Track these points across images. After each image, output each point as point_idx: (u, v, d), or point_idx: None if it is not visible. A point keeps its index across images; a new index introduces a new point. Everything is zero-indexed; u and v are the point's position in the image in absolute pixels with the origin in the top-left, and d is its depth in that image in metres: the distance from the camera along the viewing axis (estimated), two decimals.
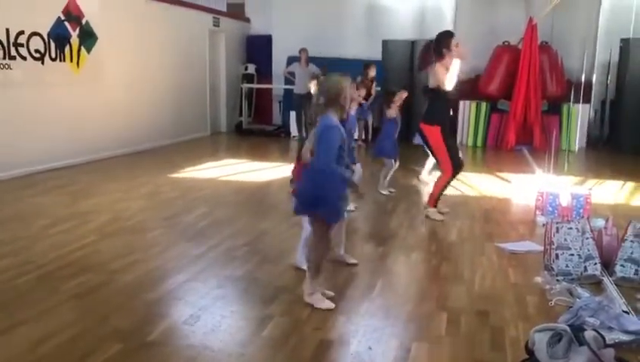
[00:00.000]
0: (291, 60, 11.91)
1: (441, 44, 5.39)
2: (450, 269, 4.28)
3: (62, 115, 7.87)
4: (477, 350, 3.02)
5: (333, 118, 3.32)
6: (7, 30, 6.96)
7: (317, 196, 3.34)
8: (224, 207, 6.07)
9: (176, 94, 10.53)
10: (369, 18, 12.29)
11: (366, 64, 10.18)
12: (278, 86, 12.88)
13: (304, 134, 5.87)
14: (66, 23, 7.91)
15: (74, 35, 8.06)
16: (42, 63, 7.54)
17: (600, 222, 4.73)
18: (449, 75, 5.29)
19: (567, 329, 2.72)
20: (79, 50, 8.17)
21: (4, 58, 6.96)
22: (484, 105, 11.26)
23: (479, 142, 11.35)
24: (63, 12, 7.82)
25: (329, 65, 10.34)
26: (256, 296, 3.69)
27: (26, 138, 7.28)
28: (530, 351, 2.77)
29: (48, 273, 3.97)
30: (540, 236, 4.78)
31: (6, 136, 7.00)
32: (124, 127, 9.12)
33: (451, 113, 5.94)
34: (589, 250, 4.04)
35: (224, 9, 12.87)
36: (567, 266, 3.99)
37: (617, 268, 3.98)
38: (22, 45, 7.20)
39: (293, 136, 11.69)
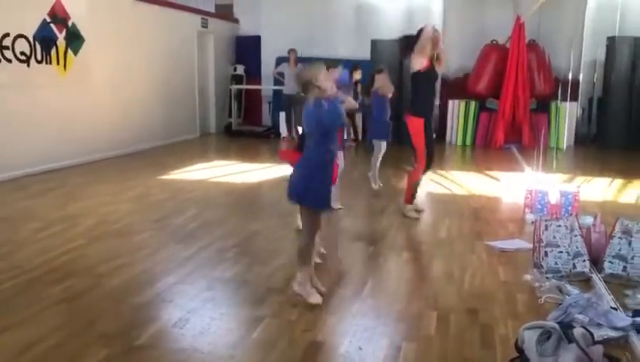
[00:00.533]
0: (280, 61, 11.90)
1: (418, 35, 5.49)
2: (440, 268, 4.29)
3: (50, 118, 7.81)
4: (467, 348, 3.02)
5: (312, 102, 3.42)
6: None
7: (305, 186, 3.43)
8: (214, 208, 6.04)
9: (165, 96, 10.48)
10: (358, 18, 12.30)
11: (352, 66, 10.17)
12: (267, 87, 12.85)
13: (294, 135, 5.89)
14: (52, 25, 7.84)
15: (60, 37, 7.99)
16: (28, 66, 7.47)
17: (588, 220, 4.76)
18: (418, 58, 5.40)
19: (556, 326, 2.73)
20: (66, 52, 8.11)
21: None
22: (472, 104, 11.30)
23: (468, 141, 11.39)
24: (48, 14, 7.76)
25: None
26: (246, 297, 3.67)
27: (14, 141, 7.22)
28: (519, 349, 2.77)
29: (35, 277, 3.93)
30: (529, 234, 4.80)
31: None
32: (112, 129, 9.06)
33: (437, 102, 6.05)
34: (577, 247, 4.07)
35: (212, 10, 12.83)
36: (556, 264, 4.01)
37: (606, 264, 4.00)
38: (7, 48, 7.13)
39: (283, 137, 11.67)
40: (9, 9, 7.14)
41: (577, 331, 2.68)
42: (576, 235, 4.11)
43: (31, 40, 7.49)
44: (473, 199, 6.66)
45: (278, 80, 11.75)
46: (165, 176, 7.66)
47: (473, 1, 11.96)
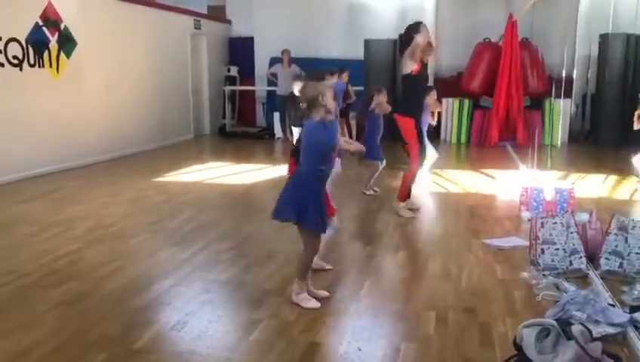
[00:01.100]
0: (274, 61, 11.89)
1: (409, 34, 5.45)
2: (437, 267, 4.29)
3: (43, 121, 7.76)
4: (466, 347, 3.02)
5: (316, 120, 3.37)
6: None
7: (299, 208, 3.36)
8: (209, 210, 6.02)
9: (158, 98, 10.45)
10: (351, 18, 12.30)
11: (340, 69, 10.11)
12: (261, 87, 12.85)
13: (289, 135, 5.87)
14: (45, 29, 7.80)
15: (53, 41, 7.96)
16: (20, 70, 7.44)
17: (584, 216, 4.76)
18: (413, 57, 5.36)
19: (555, 323, 2.73)
20: (58, 55, 8.07)
21: None
22: (466, 102, 11.33)
23: (462, 139, 11.41)
24: (40, 17, 7.72)
25: (311, 66, 10.32)
26: (243, 299, 3.66)
27: (8, 145, 7.18)
28: (518, 347, 2.78)
29: (32, 282, 3.91)
30: (525, 231, 4.81)
31: None
32: (106, 132, 9.03)
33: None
34: (574, 244, 4.07)
35: (205, 11, 12.80)
36: (552, 261, 4.02)
37: (602, 261, 4.02)
38: None
39: (278, 138, 11.65)
40: (1, 12, 7.10)
41: (576, 328, 2.68)
42: (572, 232, 4.12)
43: (23, 43, 7.45)
44: (469, 197, 6.67)
45: (272, 81, 11.74)
46: (160, 179, 7.64)
47: (466, 0, 11.98)
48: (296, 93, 4.67)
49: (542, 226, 4.12)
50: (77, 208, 5.99)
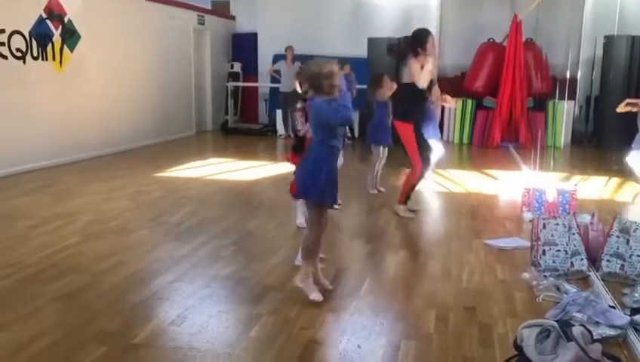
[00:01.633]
0: (277, 58, 11.87)
1: (416, 42, 5.38)
2: (438, 266, 4.27)
3: (45, 115, 7.77)
4: (466, 347, 3.01)
5: (324, 100, 3.34)
6: None
7: (310, 181, 3.41)
8: (210, 206, 6.02)
9: (161, 93, 10.44)
10: (355, 16, 12.28)
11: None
12: (264, 84, 12.82)
13: (291, 133, 5.85)
14: (48, 22, 7.80)
15: (56, 34, 7.95)
16: (24, 62, 7.43)
17: (586, 218, 4.75)
18: (423, 74, 5.26)
19: (555, 324, 2.72)
20: (62, 48, 8.07)
21: None
22: (469, 102, 11.29)
23: (465, 140, 11.38)
24: (44, 10, 7.72)
25: None
26: (243, 295, 3.66)
27: (8, 138, 7.18)
28: (518, 348, 2.77)
29: (31, 275, 3.91)
30: (526, 232, 4.80)
31: None
32: (108, 126, 9.03)
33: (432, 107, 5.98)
34: (575, 246, 4.06)
35: (209, 7, 12.79)
36: (554, 262, 4.00)
37: (603, 263, 4.00)
38: (3, 44, 7.09)
39: (280, 135, 11.64)
40: (5, 5, 7.10)
41: (576, 329, 2.67)
42: (573, 233, 4.10)
43: (27, 36, 7.45)
44: (471, 197, 6.66)
45: (275, 78, 11.72)
46: (161, 174, 7.63)
47: None
48: (299, 89, 4.65)
49: (543, 227, 4.11)
50: (78, 202, 5.99)
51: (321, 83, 3.31)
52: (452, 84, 11.65)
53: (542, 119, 10.90)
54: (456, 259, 4.44)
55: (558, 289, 3.67)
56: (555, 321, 2.81)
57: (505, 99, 10.54)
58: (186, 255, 4.38)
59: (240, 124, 12.89)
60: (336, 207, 5.28)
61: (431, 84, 5.59)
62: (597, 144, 10.89)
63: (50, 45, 7.84)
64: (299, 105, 4.59)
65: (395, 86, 6.47)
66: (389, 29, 11.58)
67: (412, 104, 5.49)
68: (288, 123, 11.02)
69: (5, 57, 7.15)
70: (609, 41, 10.78)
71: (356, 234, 5.16)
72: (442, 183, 7.41)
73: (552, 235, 4.08)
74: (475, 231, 5.20)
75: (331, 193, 3.47)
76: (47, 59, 7.82)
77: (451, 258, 4.46)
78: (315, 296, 3.50)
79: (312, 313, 3.37)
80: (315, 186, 3.40)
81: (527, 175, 7.08)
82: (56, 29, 7.96)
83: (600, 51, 11.06)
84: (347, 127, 10.53)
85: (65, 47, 8.13)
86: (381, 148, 6.66)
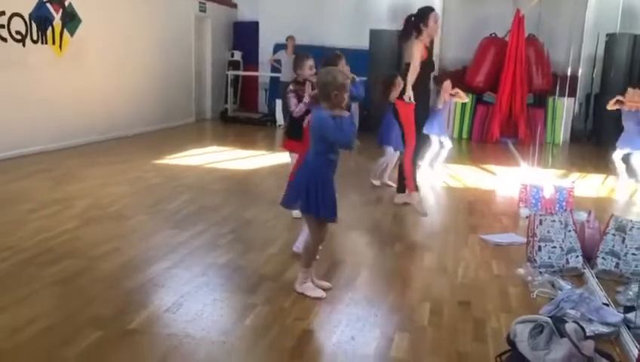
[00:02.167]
0: (278, 48, 11.83)
1: (418, 19, 5.36)
2: (434, 260, 4.29)
3: (44, 99, 7.73)
4: (459, 340, 3.03)
5: (327, 112, 3.26)
6: None
7: (307, 195, 3.32)
8: (209, 194, 6.02)
9: (161, 80, 10.41)
10: (357, 7, 12.23)
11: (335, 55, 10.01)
12: (264, 73, 12.79)
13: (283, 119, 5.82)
14: (49, 5, 7.75)
15: (57, 18, 7.91)
16: (23, 45, 7.40)
17: (582, 215, 4.77)
18: (416, 59, 5.27)
19: (549, 320, 2.74)
20: (62, 32, 8.03)
21: None
22: (469, 97, 11.26)
23: (464, 134, 11.38)
24: None
25: (316, 54, 10.24)
26: (239, 284, 3.67)
27: (6, 121, 7.16)
28: (511, 343, 2.78)
29: (28, 259, 3.91)
30: (523, 228, 4.81)
31: None
32: (107, 111, 9.00)
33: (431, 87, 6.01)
34: (571, 243, 4.08)
35: None
36: (549, 258, 4.02)
37: (599, 260, 4.02)
38: (2, 26, 7.05)
39: (279, 125, 11.63)
40: None
41: (569, 326, 2.69)
42: (570, 231, 4.12)
43: (27, 19, 7.41)
44: (468, 192, 6.67)
45: (275, 67, 11.68)
46: (160, 161, 7.63)
47: None
48: (307, 72, 4.59)
49: (540, 224, 4.12)
50: (76, 187, 5.98)
51: (330, 92, 3.23)
52: (453, 78, 11.62)
53: (541, 115, 10.90)
54: (452, 253, 4.45)
55: (552, 285, 3.69)
56: (549, 317, 2.82)
57: (505, 94, 10.53)
58: (183, 242, 4.39)
59: (239, 113, 12.86)
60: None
61: (438, 79, 5.59)
62: (596, 142, 10.90)
63: (50, 29, 7.80)
64: (291, 86, 4.56)
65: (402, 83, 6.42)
66: (392, 21, 11.53)
67: (417, 86, 5.44)
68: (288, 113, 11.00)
69: (5, 40, 7.11)
70: (611, 39, 10.77)
71: (353, 227, 5.17)
72: (440, 177, 7.42)
73: (549, 232, 4.09)
74: (471, 226, 5.21)
75: (328, 206, 3.37)
76: (46, 43, 7.78)
77: (447, 252, 4.48)
78: (318, 293, 3.49)
79: (307, 303, 3.38)
80: (313, 200, 3.31)
81: (525, 171, 7.08)
82: (57, 12, 7.91)
83: (602, 49, 11.05)
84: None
85: (65, 31, 8.08)
86: (392, 148, 6.53)
